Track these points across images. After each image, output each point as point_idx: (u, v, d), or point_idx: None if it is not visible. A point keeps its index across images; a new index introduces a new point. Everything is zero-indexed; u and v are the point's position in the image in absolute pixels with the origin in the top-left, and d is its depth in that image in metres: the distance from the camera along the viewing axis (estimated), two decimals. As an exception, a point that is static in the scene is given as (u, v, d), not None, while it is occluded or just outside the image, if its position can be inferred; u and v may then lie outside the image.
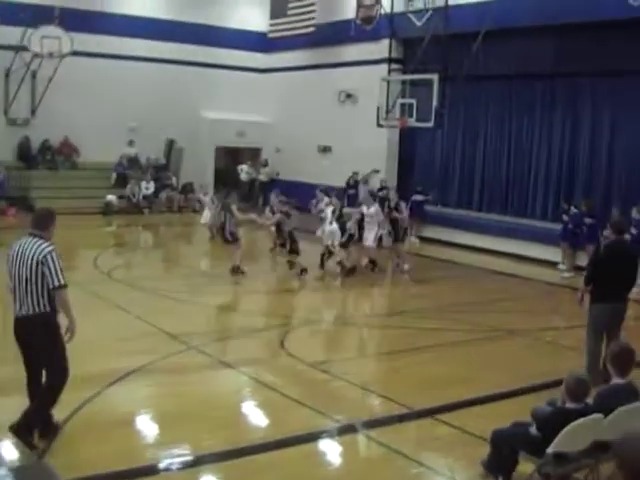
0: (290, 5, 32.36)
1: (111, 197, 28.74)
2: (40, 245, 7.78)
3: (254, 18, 33.68)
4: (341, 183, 26.99)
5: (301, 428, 8.82)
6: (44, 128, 29.26)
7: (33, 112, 29.49)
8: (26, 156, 29.60)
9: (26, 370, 8.24)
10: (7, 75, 28.79)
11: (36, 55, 27.66)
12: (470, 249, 23.41)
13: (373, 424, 9.13)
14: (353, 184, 27.01)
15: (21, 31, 27.40)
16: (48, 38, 27.12)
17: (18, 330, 8.07)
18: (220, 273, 18.39)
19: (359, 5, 28.79)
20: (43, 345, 7.98)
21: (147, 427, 9.00)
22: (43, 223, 8.02)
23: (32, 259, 7.73)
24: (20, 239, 7.99)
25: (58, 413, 8.44)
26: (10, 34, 27.40)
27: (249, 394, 10.26)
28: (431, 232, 25.50)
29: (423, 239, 25.17)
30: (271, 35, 33.73)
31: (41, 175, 28.43)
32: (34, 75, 28.88)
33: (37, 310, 7.87)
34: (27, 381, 8.25)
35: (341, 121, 29.49)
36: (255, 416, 9.69)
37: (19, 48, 27.90)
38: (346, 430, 8.90)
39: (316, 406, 9.44)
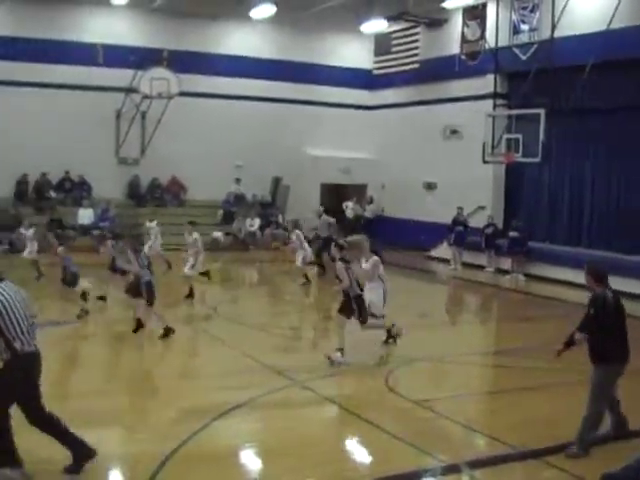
0: (394, 42, 32.54)
1: (217, 234, 29.18)
2: None
3: (358, 55, 33.96)
4: (447, 220, 26.82)
5: (404, 466, 8.70)
6: (153, 167, 30.06)
7: (143, 152, 30.34)
8: (136, 194, 30.41)
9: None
10: (118, 116, 29.71)
11: (145, 96, 28.52)
12: (578, 286, 22.87)
13: (477, 464, 8.92)
14: (458, 221, 26.80)
15: (131, 73, 28.29)
16: (157, 80, 27.93)
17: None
18: (325, 309, 18.44)
19: (463, 40, 28.74)
20: None
21: (250, 461, 9.03)
22: None
23: None
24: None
25: (168, 443, 8.56)
26: (121, 76, 28.37)
27: (352, 430, 10.19)
28: (538, 269, 24.99)
29: (530, 276, 24.74)
30: (376, 72, 33.93)
31: (150, 212, 29.06)
32: (144, 116, 29.76)
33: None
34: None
35: (446, 157, 29.35)
36: (358, 453, 9.61)
37: (129, 90, 28.83)
38: (450, 470, 8.72)
39: (419, 444, 9.31)
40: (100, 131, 29.27)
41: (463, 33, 28.89)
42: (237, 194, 31.85)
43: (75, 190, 29.66)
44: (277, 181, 32.76)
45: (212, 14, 30.26)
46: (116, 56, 28.84)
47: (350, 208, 32.78)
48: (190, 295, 18.81)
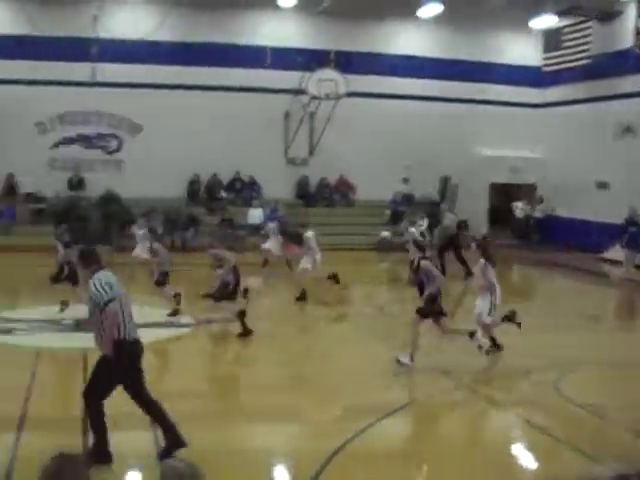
0: (564, 37, 31.71)
1: (385, 233, 29.18)
2: None
3: (526, 53, 33.25)
4: (619, 220, 25.90)
5: (572, 473, 8.47)
6: (321, 167, 30.41)
7: (311, 152, 30.74)
8: (305, 194, 30.85)
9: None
10: (286, 117, 30.23)
11: (313, 97, 28.88)
12: None
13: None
14: (632, 221, 25.82)
15: (299, 75, 28.75)
16: (324, 81, 28.25)
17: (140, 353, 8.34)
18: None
19: (637, 32, 27.69)
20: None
21: (416, 463, 8.93)
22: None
23: None
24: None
25: (333, 441, 8.66)
26: (289, 78, 28.87)
27: (520, 434, 10.00)
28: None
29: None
30: (545, 69, 33.19)
31: (318, 212, 29.41)
32: (312, 117, 30.13)
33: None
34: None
35: (619, 155, 28.33)
36: (524, 458, 9.40)
37: (297, 91, 29.27)
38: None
39: (589, 451, 9.02)
40: (269, 132, 29.87)
41: (637, 26, 27.84)
42: (405, 194, 31.82)
43: (245, 190, 30.38)
44: (446, 180, 32.52)
45: (378, 15, 30.32)
46: (283, 58, 29.41)
47: (520, 208, 32.15)
48: (302, 297, 18.34)
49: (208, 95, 28.97)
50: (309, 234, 18.91)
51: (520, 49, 33.13)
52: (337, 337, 14.61)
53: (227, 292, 14.86)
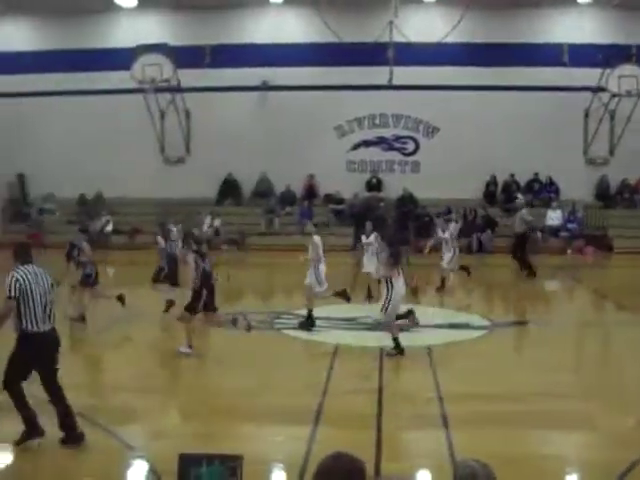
0: None
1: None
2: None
3: None
4: None
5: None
6: (622, 167, 29.11)
7: (611, 152, 29.52)
8: (604, 195, 29.72)
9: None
10: (586, 116, 29.28)
11: (614, 95, 27.72)
12: None
13: None
14: None
15: (599, 72, 27.69)
16: (626, 77, 27.03)
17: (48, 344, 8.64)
18: None
19: None
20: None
21: None
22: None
23: None
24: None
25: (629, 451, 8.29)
26: (588, 75, 27.84)
27: None
28: None
29: None
30: None
31: (618, 214, 28.29)
32: (612, 115, 28.92)
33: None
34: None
35: None
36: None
37: (597, 89, 28.20)
38: None
39: None
40: (567, 132, 29.05)
41: None
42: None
43: (543, 191, 29.78)
44: None
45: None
46: (582, 55, 28.45)
47: None
48: (370, 296, 17.24)
49: (504, 95, 28.71)
50: (371, 238, 17.65)
51: None
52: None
53: None
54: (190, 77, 28.80)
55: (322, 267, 14.93)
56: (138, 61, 27.92)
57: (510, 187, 29.57)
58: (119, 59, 28.53)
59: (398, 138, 29.85)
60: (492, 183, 29.64)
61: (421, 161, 29.97)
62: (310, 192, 29.79)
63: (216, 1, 29.39)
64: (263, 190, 30.30)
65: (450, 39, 26.70)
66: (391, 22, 25.08)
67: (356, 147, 29.95)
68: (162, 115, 29.99)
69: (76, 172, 29.85)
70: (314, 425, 9.19)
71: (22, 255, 8.64)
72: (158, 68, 27.59)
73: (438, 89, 28.34)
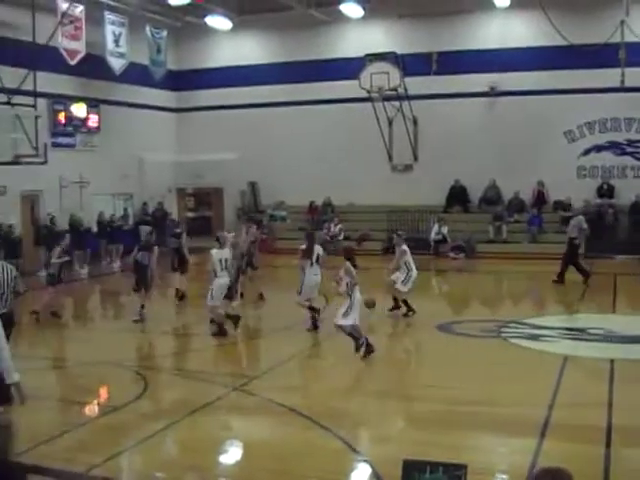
0: None
1: None
2: None
3: None
4: None
5: None
6: None
7: None
8: None
9: None
10: None
11: None
12: None
13: None
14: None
15: None
16: None
17: None
18: None
19: None
20: None
21: None
22: None
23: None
24: None
25: None
26: None
27: None
28: None
29: None
30: None
31: None
32: None
33: None
34: None
35: None
36: None
37: None
38: None
39: None
40: None
41: None
42: None
43: None
44: None
45: None
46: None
47: None
48: (409, 310, 16.91)
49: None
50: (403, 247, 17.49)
51: None
52: None
53: None
54: (417, 84, 29.21)
55: None
56: (366, 70, 28.61)
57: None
58: (348, 69, 29.33)
59: (631, 142, 28.66)
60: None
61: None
62: (539, 199, 29.21)
63: (441, 8, 29.43)
64: (491, 197, 30.00)
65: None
66: (622, 21, 24.24)
67: (587, 152, 29.05)
68: (390, 123, 30.46)
69: (305, 180, 30.96)
70: (540, 437, 9.05)
71: None
72: (386, 76, 28.15)
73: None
